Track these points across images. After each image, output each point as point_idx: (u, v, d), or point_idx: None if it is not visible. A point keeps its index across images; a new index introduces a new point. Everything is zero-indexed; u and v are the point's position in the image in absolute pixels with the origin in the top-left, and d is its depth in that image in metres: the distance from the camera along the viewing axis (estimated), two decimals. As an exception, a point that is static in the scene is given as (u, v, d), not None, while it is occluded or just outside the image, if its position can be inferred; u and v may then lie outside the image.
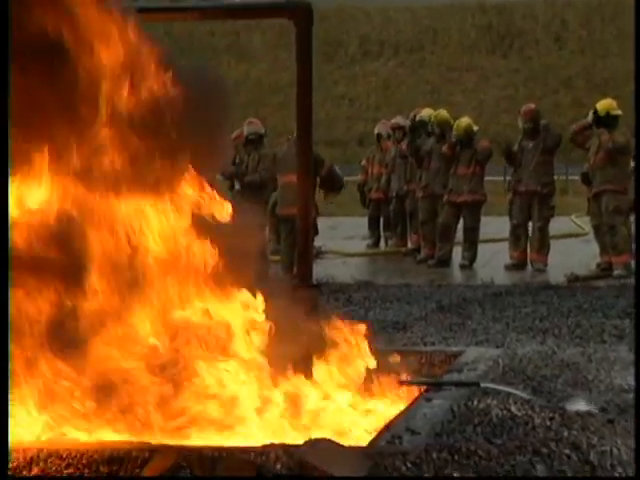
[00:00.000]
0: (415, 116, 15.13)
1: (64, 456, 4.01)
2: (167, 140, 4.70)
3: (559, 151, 13.91)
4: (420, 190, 14.61)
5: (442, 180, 14.15)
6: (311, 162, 6.30)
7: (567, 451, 4.08)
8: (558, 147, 13.60)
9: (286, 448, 4.00)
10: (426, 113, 15.06)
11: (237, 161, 13.98)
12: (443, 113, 14.66)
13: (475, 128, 14.11)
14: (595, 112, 12.72)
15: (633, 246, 11.85)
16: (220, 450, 4.04)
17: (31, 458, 4.00)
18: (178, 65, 4.90)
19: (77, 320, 4.51)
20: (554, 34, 47.87)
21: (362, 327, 5.41)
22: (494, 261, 14.01)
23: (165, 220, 4.83)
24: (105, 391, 4.53)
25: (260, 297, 5.02)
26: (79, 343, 4.51)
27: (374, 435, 4.48)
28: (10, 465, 3.96)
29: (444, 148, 13.93)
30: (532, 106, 13.88)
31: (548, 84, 43.73)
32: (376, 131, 17.36)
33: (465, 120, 14.13)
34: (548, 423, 4.50)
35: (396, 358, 5.63)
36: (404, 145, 15.21)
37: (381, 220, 16.99)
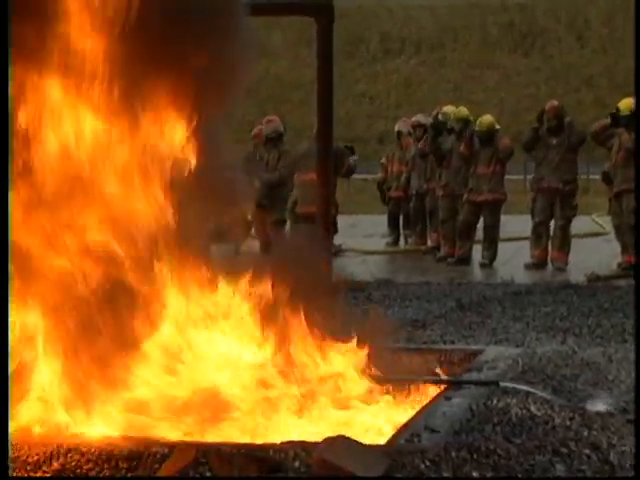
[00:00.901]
0: (438, 113, 15.06)
1: (84, 451, 4.03)
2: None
3: (581, 150, 13.84)
4: (440, 189, 14.58)
5: (462, 179, 14.11)
6: (331, 160, 6.31)
7: (587, 451, 4.07)
8: (582, 145, 13.55)
9: (304, 446, 4.01)
10: (449, 110, 14.99)
11: (257, 158, 13.98)
12: (463, 110, 14.64)
13: (497, 127, 14.08)
14: (615, 112, 12.68)
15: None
16: (239, 447, 4.05)
17: (51, 453, 4.02)
18: None
19: None
20: (576, 32, 47.68)
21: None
22: (514, 260, 13.97)
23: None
24: None
25: None
26: None
27: (393, 433, 4.48)
28: (30, 460, 3.99)
29: (461, 148, 13.89)
30: (556, 103, 13.80)
31: (570, 83, 43.57)
32: (396, 129, 17.33)
33: (488, 117, 14.10)
34: (568, 423, 4.48)
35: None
36: (423, 143, 15.18)
37: (401, 218, 16.97)
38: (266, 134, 13.76)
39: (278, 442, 4.11)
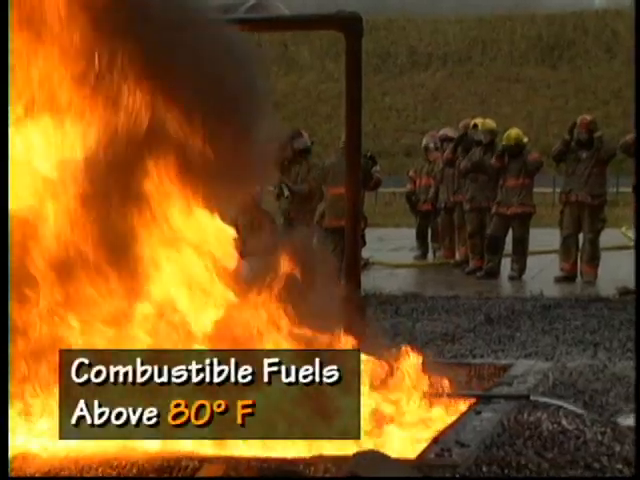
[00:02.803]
0: (468, 126, 14.95)
1: (114, 465, 4.04)
2: None
3: (611, 162, 13.76)
4: (467, 202, 14.54)
5: (490, 192, 14.06)
6: (360, 174, 6.30)
7: (619, 466, 4.04)
8: (611, 160, 13.48)
9: (334, 460, 3.99)
10: (478, 122, 14.90)
11: (286, 166, 13.97)
12: (490, 122, 14.62)
13: (525, 139, 14.03)
14: None
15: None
16: (269, 461, 4.05)
17: (82, 467, 4.03)
18: None
19: None
20: (605, 45, 47.54)
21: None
22: (543, 273, 13.90)
23: None
24: None
25: None
26: None
27: (423, 447, 4.46)
28: (62, 474, 4.00)
29: (493, 160, 13.84)
30: (588, 117, 13.71)
31: (598, 95, 43.43)
32: (424, 142, 17.29)
33: (515, 131, 14.04)
34: (600, 437, 4.45)
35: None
36: (449, 153, 15.12)
37: (429, 231, 16.93)
38: (296, 147, 13.82)
39: (308, 456, 4.10)
